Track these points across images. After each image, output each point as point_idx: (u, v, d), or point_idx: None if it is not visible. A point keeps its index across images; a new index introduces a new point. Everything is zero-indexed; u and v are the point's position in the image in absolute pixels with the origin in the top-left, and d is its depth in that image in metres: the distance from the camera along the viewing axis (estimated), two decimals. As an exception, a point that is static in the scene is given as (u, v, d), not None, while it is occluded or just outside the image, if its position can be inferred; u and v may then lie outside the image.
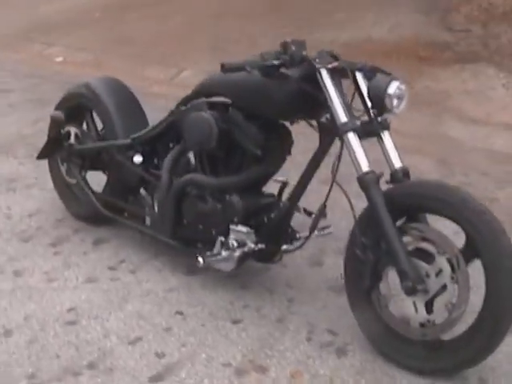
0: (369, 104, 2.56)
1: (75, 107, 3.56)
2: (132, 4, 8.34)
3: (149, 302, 2.97)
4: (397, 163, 2.56)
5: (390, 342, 2.55)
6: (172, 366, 2.56)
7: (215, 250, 2.86)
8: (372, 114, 2.55)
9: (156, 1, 8.36)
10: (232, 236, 2.81)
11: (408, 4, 7.60)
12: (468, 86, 5.58)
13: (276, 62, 2.56)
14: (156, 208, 3.17)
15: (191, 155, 3.08)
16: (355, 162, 2.50)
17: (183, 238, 3.08)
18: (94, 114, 3.57)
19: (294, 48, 2.57)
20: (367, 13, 7.54)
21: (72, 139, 3.53)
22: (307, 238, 2.84)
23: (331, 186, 2.68)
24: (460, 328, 2.41)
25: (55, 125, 3.53)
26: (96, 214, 3.56)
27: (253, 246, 2.78)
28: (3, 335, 2.76)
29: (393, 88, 2.46)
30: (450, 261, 2.35)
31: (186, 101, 3.12)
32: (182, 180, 2.98)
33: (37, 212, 3.82)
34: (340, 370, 2.52)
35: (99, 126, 3.59)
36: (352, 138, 2.50)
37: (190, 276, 3.16)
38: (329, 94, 2.54)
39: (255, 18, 7.51)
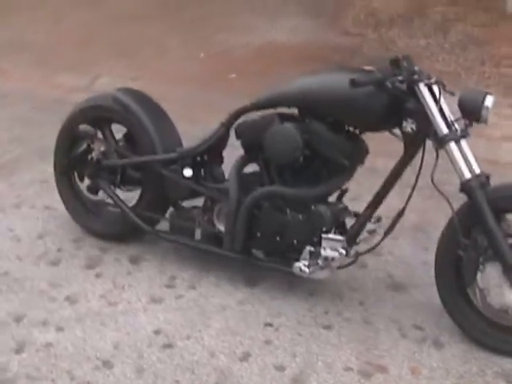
0: (451, 115, 2.75)
1: (94, 120, 3.41)
2: (13, 7, 7.85)
3: (231, 317, 2.95)
4: (477, 169, 2.78)
5: (488, 331, 2.77)
6: (298, 378, 2.60)
7: (304, 260, 2.92)
8: (459, 124, 2.75)
9: (39, 4, 7.96)
10: (325, 244, 2.89)
11: (296, 8, 7.90)
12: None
13: (400, 78, 2.68)
14: (217, 222, 3.15)
15: (256, 167, 3.10)
16: (458, 170, 2.70)
17: (249, 251, 3.10)
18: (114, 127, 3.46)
19: (405, 64, 2.71)
20: (259, 17, 7.74)
21: (97, 154, 3.38)
22: (383, 239, 2.98)
23: (412, 190, 2.86)
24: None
25: (82, 139, 3.37)
26: (123, 231, 3.45)
27: (349, 252, 2.88)
28: (104, 367, 2.63)
29: (490, 101, 2.68)
30: (550, 252, 2.63)
31: (241, 113, 3.13)
32: (260, 193, 2.99)
33: (45, 233, 3.60)
34: (448, 361, 2.71)
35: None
36: (454, 147, 2.69)
37: (252, 288, 3.17)
38: (429, 107, 2.70)
39: (151, 21, 7.43)
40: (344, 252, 2.87)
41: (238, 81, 6.13)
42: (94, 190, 3.47)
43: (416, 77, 2.70)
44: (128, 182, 3.42)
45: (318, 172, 2.96)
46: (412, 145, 2.83)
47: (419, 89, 2.71)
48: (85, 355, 2.69)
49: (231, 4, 7.88)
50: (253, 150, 3.08)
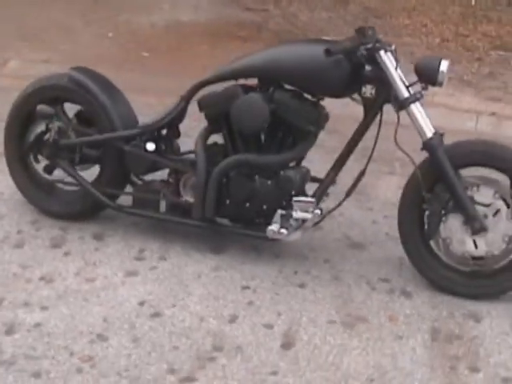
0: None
1: (48, 101, 3.38)
2: None
3: (208, 284, 3.05)
4: (432, 128, 3.00)
5: (450, 277, 3.03)
6: (288, 334, 2.75)
7: (276, 224, 3.05)
8: (415, 87, 2.96)
9: None
10: (296, 207, 3.03)
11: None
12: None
13: (370, 46, 2.84)
14: (184, 193, 3.22)
15: (220, 137, 3.19)
16: (419, 129, 2.91)
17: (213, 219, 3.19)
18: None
19: (370, 33, 2.88)
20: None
21: (54, 134, 3.35)
22: (344, 199, 3.16)
23: (372, 152, 3.07)
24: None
25: (41, 119, 3.34)
26: (83, 210, 3.46)
27: (320, 212, 3.04)
28: (100, 340, 2.67)
29: (445, 66, 2.89)
30: (505, 201, 2.90)
31: (201, 86, 3.21)
32: (228, 162, 3.08)
33: (5, 219, 3.52)
34: (419, 308, 2.94)
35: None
36: (415, 108, 2.90)
37: (219, 255, 3.26)
38: (390, 73, 2.89)
39: (55, 4, 7.25)
40: (318, 212, 3.03)
41: (151, 59, 6.13)
42: (50, 170, 3.44)
43: (379, 45, 2.88)
44: (85, 160, 3.42)
45: (282, 139, 3.09)
46: (372, 109, 3.02)
47: (381, 56, 2.89)
48: (77, 331, 2.70)
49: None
50: (217, 122, 3.17)
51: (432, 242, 3.03)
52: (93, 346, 2.63)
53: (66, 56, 6.11)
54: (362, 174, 3.13)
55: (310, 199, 3.05)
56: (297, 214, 3.04)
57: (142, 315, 2.82)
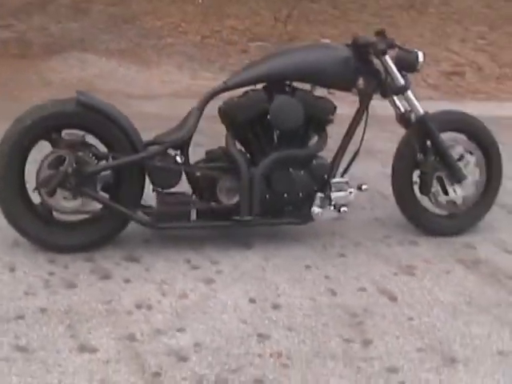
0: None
1: (52, 129, 3.18)
2: None
3: (276, 273, 3.28)
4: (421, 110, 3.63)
5: (437, 222, 3.77)
6: (383, 290, 3.19)
7: (317, 206, 3.42)
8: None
9: None
10: (334, 188, 3.44)
11: None
12: (92, 71, 6.17)
13: (395, 44, 3.44)
14: (222, 196, 3.35)
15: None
16: (415, 108, 3.57)
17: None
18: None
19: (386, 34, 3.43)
20: None
21: (72, 163, 3.15)
22: (342, 175, 3.60)
23: (363, 135, 3.61)
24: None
25: (71, 148, 3.12)
26: (101, 238, 3.35)
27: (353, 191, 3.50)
28: (265, 339, 2.77)
29: (421, 56, 3.54)
30: (470, 153, 3.74)
31: (212, 96, 3.38)
32: (270, 159, 3.33)
33: (10, 265, 3.17)
34: (432, 250, 3.60)
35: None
36: (410, 93, 3.55)
37: (253, 248, 3.49)
38: (389, 66, 3.48)
39: None
40: (353, 190, 3.49)
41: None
42: (68, 200, 3.22)
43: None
44: (106, 184, 3.29)
45: (306, 131, 3.45)
46: (365, 99, 3.57)
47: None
48: (236, 337, 2.76)
49: None
50: (239, 127, 3.39)
51: (426, 197, 3.71)
52: (273, 345, 2.73)
53: None
54: (357, 152, 3.63)
55: (345, 179, 3.49)
56: (334, 194, 3.45)
57: (274, 309, 2.97)
